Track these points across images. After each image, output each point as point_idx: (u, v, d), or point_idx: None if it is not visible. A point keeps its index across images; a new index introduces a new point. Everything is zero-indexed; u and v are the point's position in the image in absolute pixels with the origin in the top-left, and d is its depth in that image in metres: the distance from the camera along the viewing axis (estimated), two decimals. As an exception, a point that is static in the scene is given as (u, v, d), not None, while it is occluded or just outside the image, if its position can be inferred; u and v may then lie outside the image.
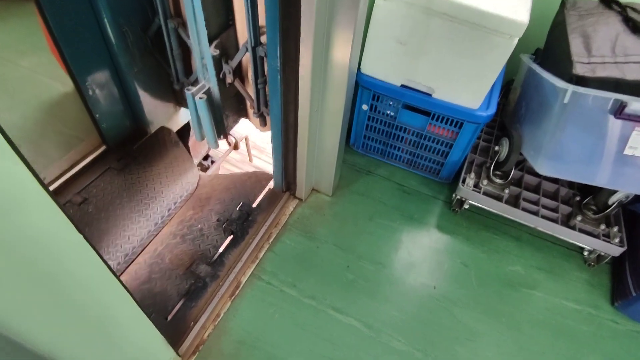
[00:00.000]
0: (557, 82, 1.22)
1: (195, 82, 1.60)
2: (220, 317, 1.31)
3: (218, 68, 1.43)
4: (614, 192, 1.44)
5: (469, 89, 1.43)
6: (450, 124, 1.56)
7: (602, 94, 1.15)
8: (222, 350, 1.24)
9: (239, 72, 1.55)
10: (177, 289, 1.36)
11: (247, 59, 1.45)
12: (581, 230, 1.48)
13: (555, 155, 1.34)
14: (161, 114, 1.78)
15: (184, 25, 1.45)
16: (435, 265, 1.51)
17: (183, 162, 1.72)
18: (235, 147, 2.53)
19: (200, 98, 1.42)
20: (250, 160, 2.86)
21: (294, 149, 1.47)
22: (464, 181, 1.57)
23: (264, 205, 1.61)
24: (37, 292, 0.61)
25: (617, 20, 1.31)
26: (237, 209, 1.59)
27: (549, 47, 1.45)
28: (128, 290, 0.81)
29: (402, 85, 1.53)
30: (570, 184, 1.63)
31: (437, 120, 1.57)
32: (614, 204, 1.46)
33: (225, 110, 1.59)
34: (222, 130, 1.63)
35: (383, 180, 1.78)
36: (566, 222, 1.51)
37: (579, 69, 1.18)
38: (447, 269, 1.50)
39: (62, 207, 0.57)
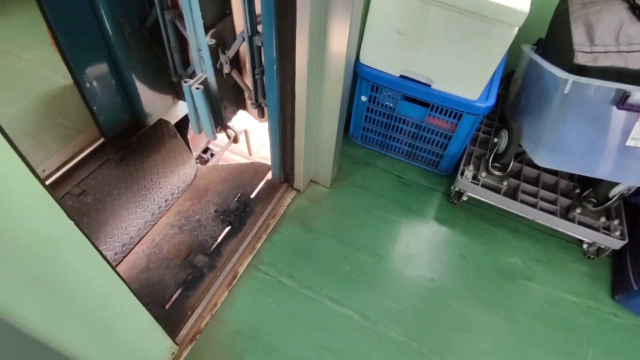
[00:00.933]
0: (558, 72, 1.20)
1: (193, 75, 1.60)
2: (218, 306, 1.32)
3: (215, 58, 1.42)
4: (615, 184, 1.42)
5: (468, 79, 1.42)
6: (450, 116, 1.54)
7: (605, 83, 1.14)
8: (219, 340, 1.25)
9: (236, 62, 1.54)
10: (174, 279, 1.37)
11: (244, 49, 1.44)
12: (580, 223, 1.47)
13: (556, 147, 1.32)
14: (159, 107, 1.78)
15: (180, 16, 1.44)
16: (434, 257, 1.51)
17: (181, 153, 1.72)
18: (235, 140, 2.53)
19: (197, 89, 1.42)
20: (250, 154, 2.85)
21: (291, 140, 1.46)
22: (462, 173, 1.56)
23: (262, 196, 1.60)
24: (32, 282, 0.61)
25: (623, 8, 1.28)
26: (235, 199, 1.59)
27: (551, 37, 1.43)
28: (123, 280, 0.81)
29: (401, 76, 1.51)
30: (570, 176, 1.61)
31: (436, 111, 1.55)
32: (615, 196, 1.44)
33: (223, 102, 1.59)
34: (220, 121, 1.62)
35: (382, 172, 1.77)
36: (565, 214, 1.50)
37: (581, 59, 1.16)
38: (445, 261, 1.50)
39: (56, 197, 0.57)
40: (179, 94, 1.83)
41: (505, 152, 1.50)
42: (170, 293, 1.33)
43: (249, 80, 1.56)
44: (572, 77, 1.16)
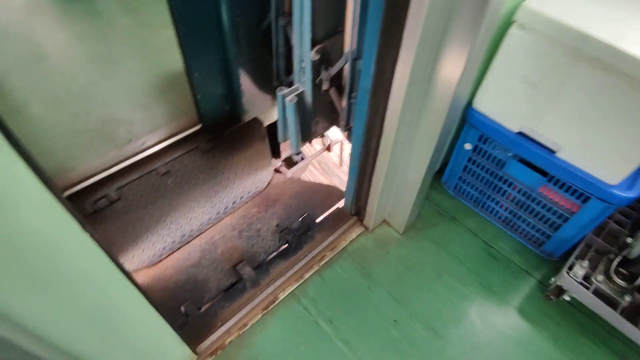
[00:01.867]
0: None
1: (292, 83, 1.56)
2: (247, 327, 1.26)
3: (316, 73, 1.35)
4: None
5: (610, 158, 1.10)
6: (572, 194, 1.23)
7: None
8: (238, 363, 1.20)
9: (337, 80, 1.46)
10: (217, 283, 1.35)
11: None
12: None
13: None
14: (258, 106, 1.80)
15: (292, 25, 1.41)
16: (503, 357, 1.23)
17: (263, 158, 1.71)
18: (328, 149, 2.48)
19: (290, 101, 1.37)
20: (341, 166, 2.78)
21: (370, 176, 1.33)
22: (571, 267, 1.24)
23: (327, 223, 1.50)
24: (40, 289, 0.61)
25: None
26: (300, 219, 1.51)
27: None
28: (140, 289, 0.79)
29: (520, 133, 1.26)
30: None
31: (555, 184, 1.26)
32: None
33: (316, 116, 1.52)
34: (307, 135, 1.56)
35: (468, 233, 1.52)
36: None
37: None
38: (516, 366, 1.21)
39: (66, 203, 0.54)
40: (278, 98, 1.83)
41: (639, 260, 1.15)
42: (209, 297, 1.32)
43: (344, 101, 1.46)
44: None
